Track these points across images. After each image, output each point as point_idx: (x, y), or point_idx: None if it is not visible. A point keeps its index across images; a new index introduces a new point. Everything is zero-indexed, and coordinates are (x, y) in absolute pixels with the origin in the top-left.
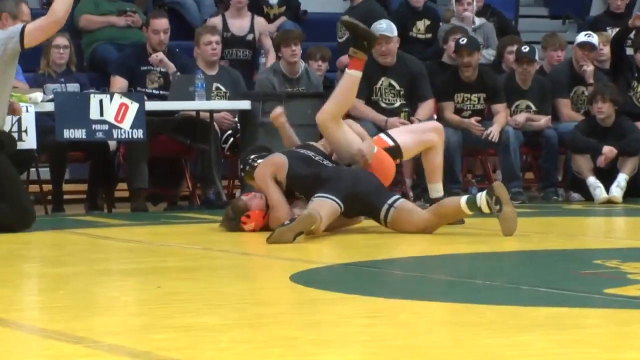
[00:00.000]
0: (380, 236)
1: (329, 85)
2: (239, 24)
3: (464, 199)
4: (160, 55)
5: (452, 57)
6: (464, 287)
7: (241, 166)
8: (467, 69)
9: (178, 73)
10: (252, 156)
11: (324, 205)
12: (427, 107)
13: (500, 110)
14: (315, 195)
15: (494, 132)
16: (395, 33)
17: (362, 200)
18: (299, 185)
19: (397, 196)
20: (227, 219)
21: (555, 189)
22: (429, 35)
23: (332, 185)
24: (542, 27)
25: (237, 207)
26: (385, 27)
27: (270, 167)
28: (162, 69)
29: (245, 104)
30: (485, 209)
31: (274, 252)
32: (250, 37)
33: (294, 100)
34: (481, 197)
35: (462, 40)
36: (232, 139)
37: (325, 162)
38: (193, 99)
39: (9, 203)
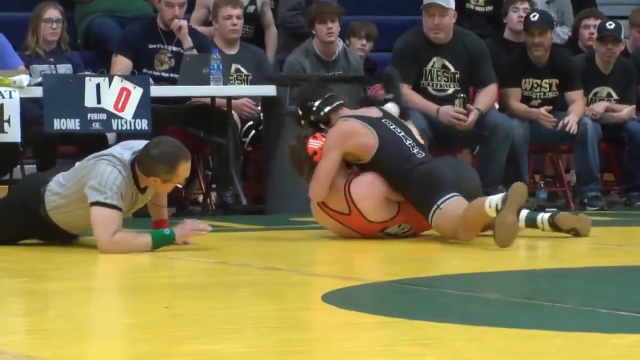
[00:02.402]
0: (430, 248)
1: (371, 68)
2: None
3: (487, 199)
4: (184, 23)
5: (514, 33)
6: (528, 309)
7: (300, 112)
8: (537, 49)
9: (194, 50)
10: (317, 103)
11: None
12: (488, 93)
13: (577, 99)
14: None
15: (571, 121)
16: (453, 5)
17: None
18: (384, 174)
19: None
20: (292, 140)
21: (639, 193)
22: (489, 8)
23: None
24: (626, 0)
25: (306, 128)
26: None
27: (352, 140)
28: (174, 48)
29: (269, 90)
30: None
31: (303, 267)
32: (251, 8)
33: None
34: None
35: (533, 16)
36: (253, 132)
37: (415, 151)
38: (208, 84)
39: None
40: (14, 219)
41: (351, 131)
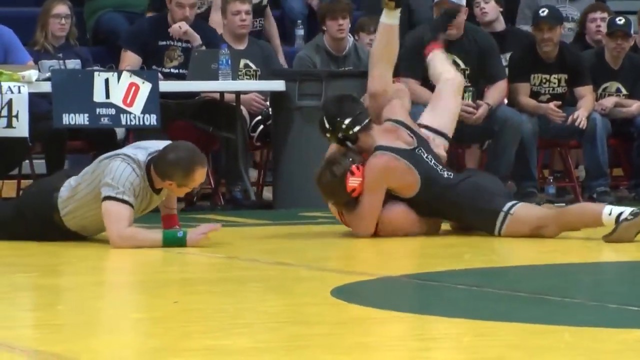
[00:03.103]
0: (439, 243)
1: None
2: None
3: (607, 208)
4: (185, 26)
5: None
6: (538, 304)
7: (328, 127)
8: (547, 44)
9: (203, 47)
10: (347, 121)
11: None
12: (498, 89)
13: (587, 94)
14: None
15: (581, 116)
16: (464, 2)
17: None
18: (427, 205)
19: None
20: (328, 175)
21: None
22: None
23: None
24: None
25: (340, 163)
26: None
27: (394, 179)
28: (184, 44)
29: (278, 85)
30: None
31: (313, 262)
32: (264, 0)
33: (337, 81)
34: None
35: (542, 12)
36: (262, 126)
37: (446, 175)
38: (216, 79)
39: None
40: (28, 228)
41: (392, 168)
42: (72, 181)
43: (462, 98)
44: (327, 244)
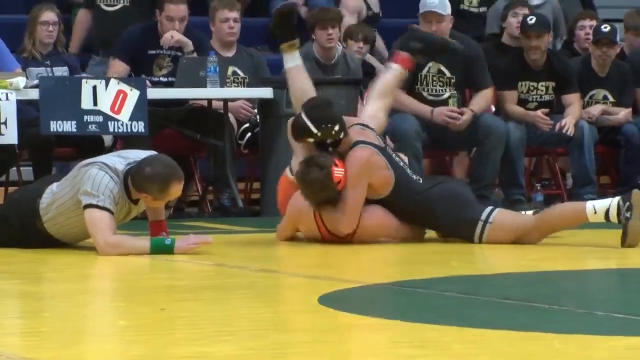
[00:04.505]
0: (427, 250)
1: (370, 71)
2: None
3: (589, 204)
4: (176, 35)
5: (513, 38)
6: (526, 312)
7: (318, 133)
8: (534, 52)
9: (195, 54)
10: (337, 127)
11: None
12: (483, 97)
13: (574, 101)
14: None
15: (568, 124)
16: (449, 11)
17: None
18: (400, 208)
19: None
20: (315, 170)
21: None
22: (483, 9)
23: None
24: (623, 3)
25: (322, 156)
26: (438, 2)
27: (377, 173)
28: (173, 52)
29: (266, 92)
30: (614, 218)
31: (300, 269)
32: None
33: (326, 88)
34: (612, 202)
35: (530, 19)
36: (249, 134)
37: (415, 177)
38: (204, 86)
39: None
40: (11, 234)
41: (374, 162)
42: (54, 187)
43: (447, 104)
44: (314, 251)
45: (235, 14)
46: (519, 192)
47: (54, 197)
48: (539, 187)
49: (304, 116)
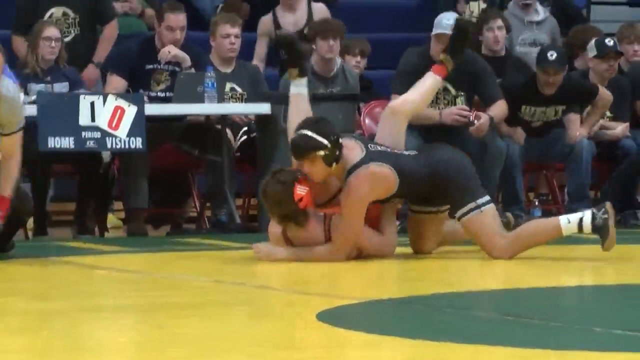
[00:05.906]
0: (425, 266)
1: (368, 86)
2: (294, 18)
3: (563, 217)
4: (173, 49)
5: (491, 50)
6: (523, 327)
7: (329, 145)
8: (550, 88)
9: (193, 69)
10: (337, 137)
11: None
12: (499, 106)
13: (575, 119)
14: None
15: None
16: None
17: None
18: (411, 195)
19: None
20: (275, 183)
21: (634, 212)
22: None
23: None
24: (617, 17)
25: (287, 171)
26: (452, 22)
27: (380, 187)
28: (171, 67)
29: (264, 108)
30: (587, 227)
31: (299, 285)
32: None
33: (323, 104)
34: (586, 212)
35: (551, 55)
36: (245, 137)
37: (403, 152)
38: (202, 101)
39: None
40: None
41: (383, 177)
42: None
43: (454, 104)
44: (312, 267)
45: (237, 30)
46: (518, 207)
47: None
48: (537, 203)
49: (309, 132)
